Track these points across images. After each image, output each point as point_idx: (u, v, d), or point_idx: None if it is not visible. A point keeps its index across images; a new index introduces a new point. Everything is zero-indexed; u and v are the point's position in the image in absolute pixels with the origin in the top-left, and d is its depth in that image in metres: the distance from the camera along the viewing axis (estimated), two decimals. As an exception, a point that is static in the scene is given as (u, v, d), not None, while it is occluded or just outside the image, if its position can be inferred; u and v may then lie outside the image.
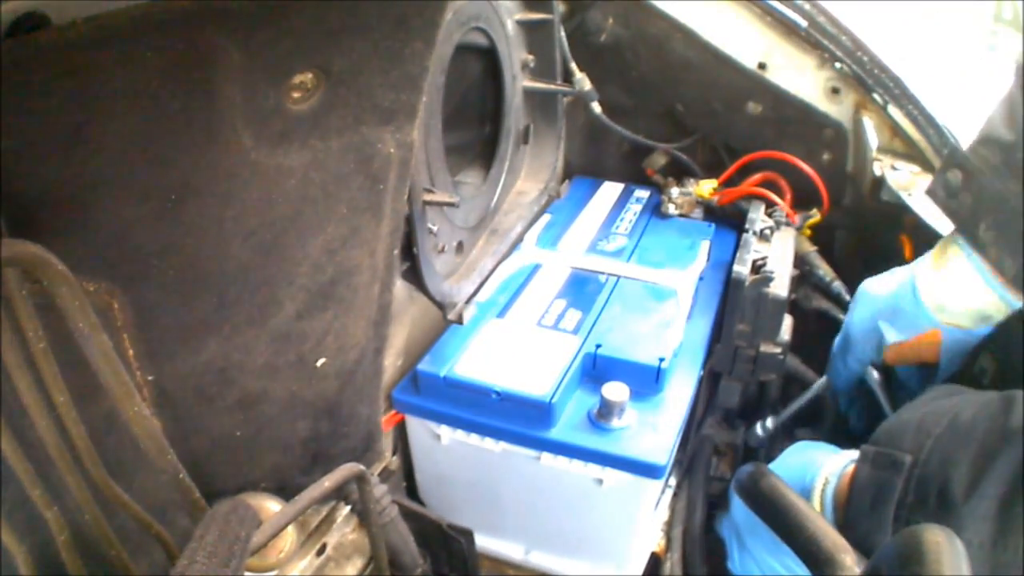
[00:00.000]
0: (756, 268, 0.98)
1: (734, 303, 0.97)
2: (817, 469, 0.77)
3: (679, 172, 1.35)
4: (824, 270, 1.18)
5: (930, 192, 0.90)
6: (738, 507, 0.85)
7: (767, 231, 1.08)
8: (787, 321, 0.99)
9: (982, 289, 0.84)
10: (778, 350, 0.98)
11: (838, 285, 1.16)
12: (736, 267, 0.97)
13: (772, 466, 0.82)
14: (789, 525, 0.66)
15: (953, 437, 0.65)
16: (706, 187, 1.27)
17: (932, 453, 0.65)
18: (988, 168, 0.82)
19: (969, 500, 0.61)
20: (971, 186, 0.84)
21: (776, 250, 1.04)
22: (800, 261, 1.17)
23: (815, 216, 1.20)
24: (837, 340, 1.02)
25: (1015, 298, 0.83)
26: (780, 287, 0.96)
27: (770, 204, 1.18)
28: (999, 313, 0.85)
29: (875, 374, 0.99)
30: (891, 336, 0.92)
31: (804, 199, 1.22)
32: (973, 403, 0.67)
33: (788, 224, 1.13)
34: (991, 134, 0.82)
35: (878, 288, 0.95)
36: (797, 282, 1.17)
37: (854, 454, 0.76)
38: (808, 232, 1.22)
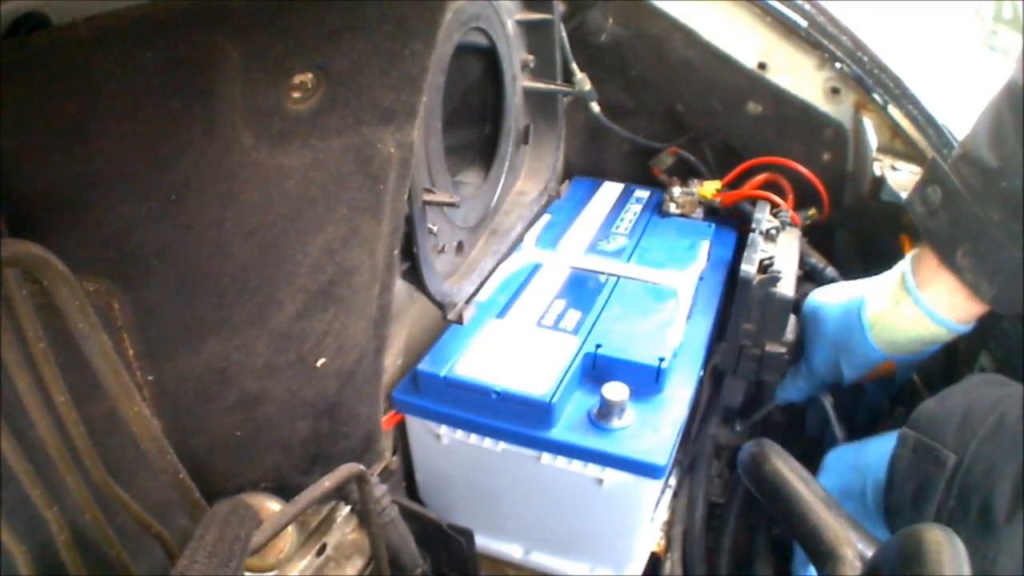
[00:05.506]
0: (763, 268, 0.98)
1: (740, 302, 0.97)
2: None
3: (686, 172, 1.35)
4: (816, 258, 1.19)
5: (908, 204, 0.88)
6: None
7: (773, 231, 1.08)
8: (792, 321, 0.99)
9: (931, 327, 0.84)
10: (783, 350, 0.98)
11: (831, 271, 1.17)
12: (744, 266, 0.97)
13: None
14: (790, 514, 0.63)
15: (999, 442, 0.63)
16: (710, 188, 1.27)
17: (976, 458, 0.63)
18: (968, 191, 0.79)
19: (1010, 522, 0.59)
20: (950, 207, 0.81)
21: (782, 250, 1.04)
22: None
23: (812, 213, 1.21)
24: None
25: (961, 326, 0.84)
26: (787, 287, 0.96)
27: (774, 205, 1.18)
28: (948, 337, 0.86)
29: (829, 399, 1.01)
30: (848, 373, 0.94)
31: (806, 200, 1.22)
32: (1020, 401, 0.65)
33: (793, 225, 1.13)
34: (974, 153, 0.79)
35: (827, 302, 0.95)
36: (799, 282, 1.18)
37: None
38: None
